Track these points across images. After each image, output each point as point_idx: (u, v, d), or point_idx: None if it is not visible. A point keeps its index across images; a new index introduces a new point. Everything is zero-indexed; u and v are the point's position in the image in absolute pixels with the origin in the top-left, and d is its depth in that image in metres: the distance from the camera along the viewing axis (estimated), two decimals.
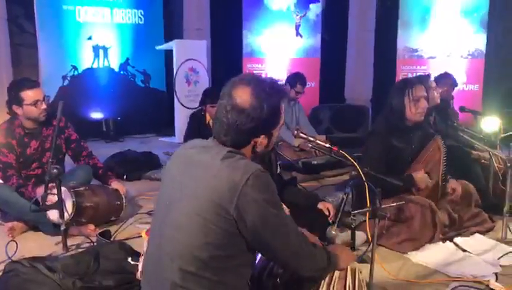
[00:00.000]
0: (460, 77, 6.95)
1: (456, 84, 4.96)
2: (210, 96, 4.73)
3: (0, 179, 3.37)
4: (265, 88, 1.64)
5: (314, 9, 8.05)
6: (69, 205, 3.17)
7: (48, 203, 3.10)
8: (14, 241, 2.99)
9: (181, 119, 6.65)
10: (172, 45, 7.05)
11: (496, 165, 3.78)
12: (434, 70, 7.20)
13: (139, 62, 7.92)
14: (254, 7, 7.85)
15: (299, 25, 8.02)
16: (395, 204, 2.89)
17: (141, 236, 2.65)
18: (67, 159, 3.73)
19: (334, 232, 2.03)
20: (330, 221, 2.87)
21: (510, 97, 6.76)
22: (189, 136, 4.66)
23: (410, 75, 7.28)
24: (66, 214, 3.07)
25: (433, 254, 2.95)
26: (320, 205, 3.02)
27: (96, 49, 7.45)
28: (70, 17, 7.14)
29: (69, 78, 7.24)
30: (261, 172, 1.57)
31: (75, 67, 7.27)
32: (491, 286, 2.57)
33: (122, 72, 7.79)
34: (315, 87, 8.05)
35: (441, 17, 7.51)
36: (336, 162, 4.78)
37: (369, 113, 7.02)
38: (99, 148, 5.72)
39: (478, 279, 2.66)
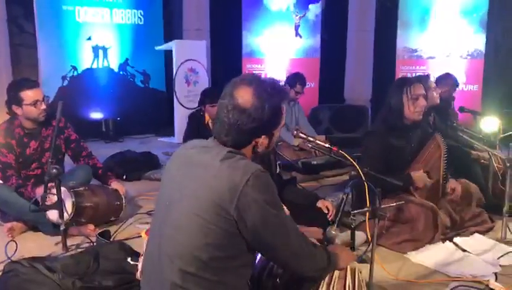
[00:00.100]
0: (460, 77, 6.93)
1: (457, 85, 4.96)
2: (209, 96, 4.73)
3: (0, 179, 3.36)
4: (267, 88, 1.65)
5: (314, 9, 8.05)
6: (68, 205, 3.17)
7: (48, 203, 3.10)
8: (13, 241, 2.99)
9: (180, 119, 6.65)
10: (172, 45, 7.04)
11: (495, 165, 3.78)
12: (433, 70, 7.21)
13: (139, 62, 7.92)
14: (254, 7, 7.85)
15: (299, 26, 8.02)
16: (394, 204, 2.89)
17: (141, 236, 2.65)
18: (67, 159, 3.72)
19: (333, 232, 2.02)
20: (329, 219, 2.87)
21: (509, 97, 6.76)
22: (188, 136, 4.66)
23: (409, 76, 7.27)
24: (65, 214, 3.07)
25: (432, 254, 2.95)
26: (319, 204, 3.02)
27: (95, 49, 7.44)
28: (69, 18, 7.14)
29: (68, 79, 7.23)
30: (261, 172, 1.57)
31: (74, 68, 7.27)
32: (491, 286, 2.57)
33: (121, 73, 7.79)
34: (314, 87, 8.05)
35: (440, 18, 7.51)
36: (335, 162, 4.79)
37: (368, 113, 7.02)
38: (98, 148, 5.72)
39: (478, 279, 2.66)
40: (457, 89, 4.96)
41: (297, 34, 8.04)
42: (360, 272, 1.92)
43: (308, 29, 8.06)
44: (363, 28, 8.01)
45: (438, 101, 4.19)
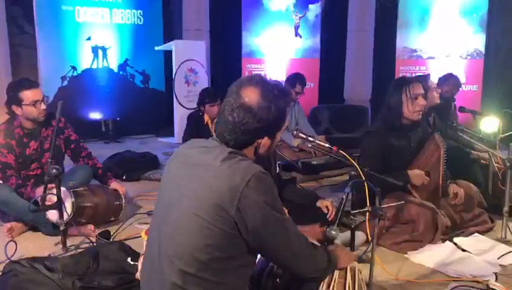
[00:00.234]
0: (460, 78, 6.95)
1: (460, 85, 4.97)
2: (209, 96, 4.73)
3: (0, 179, 3.36)
4: (274, 90, 1.66)
5: (314, 9, 8.06)
6: (68, 205, 3.17)
7: (47, 203, 3.10)
8: (13, 241, 2.99)
9: (180, 119, 6.64)
10: (172, 45, 7.04)
11: (495, 165, 3.78)
12: (433, 70, 7.23)
13: (138, 62, 7.92)
14: (253, 8, 7.85)
15: (299, 26, 8.03)
16: (395, 204, 2.89)
17: (140, 236, 2.65)
18: (67, 159, 3.72)
19: (333, 233, 2.02)
20: (329, 219, 2.87)
21: (509, 97, 6.76)
22: (188, 137, 4.67)
23: (409, 76, 7.28)
24: (65, 214, 3.07)
25: (432, 254, 2.95)
26: (318, 203, 3.02)
27: (95, 49, 7.44)
28: (69, 18, 7.13)
29: (68, 79, 7.23)
30: (262, 174, 1.56)
31: (74, 68, 7.26)
32: (491, 286, 2.57)
33: (121, 73, 7.78)
34: (314, 87, 8.05)
35: (440, 18, 7.52)
36: (335, 163, 4.78)
37: (368, 113, 7.01)
38: (98, 148, 5.72)
39: (478, 279, 2.66)
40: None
41: (297, 34, 8.04)
42: (360, 272, 1.92)
43: (307, 29, 8.07)
44: (362, 28, 8.02)
45: (438, 101, 4.19)
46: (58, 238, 3.09)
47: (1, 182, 3.35)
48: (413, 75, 7.29)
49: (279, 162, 3.24)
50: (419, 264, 2.88)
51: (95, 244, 3.11)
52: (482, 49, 7.42)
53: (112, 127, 7.42)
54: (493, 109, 5.59)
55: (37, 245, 3.16)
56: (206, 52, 7.52)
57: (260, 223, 1.54)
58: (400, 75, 7.66)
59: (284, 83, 5.43)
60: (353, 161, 2.45)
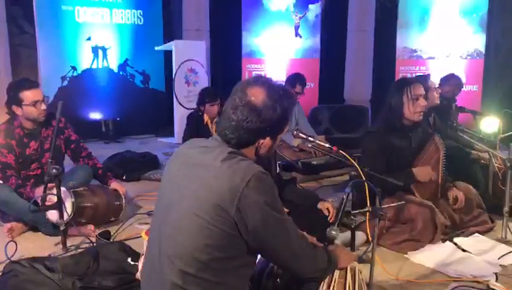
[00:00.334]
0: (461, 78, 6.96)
1: (461, 86, 4.97)
2: (209, 95, 4.74)
3: (0, 180, 3.36)
4: (279, 91, 1.67)
5: (314, 9, 8.06)
6: (68, 206, 3.16)
7: (47, 203, 3.10)
8: (13, 241, 2.99)
9: (180, 120, 6.64)
10: (172, 45, 7.04)
11: (495, 165, 3.78)
12: (433, 70, 7.23)
13: (139, 63, 7.91)
14: (253, 8, 7.85)
15: (299, 26, 8.02)
16: (395, 204, 2.89)
17: (141, 237, 2.65)
18: (67, 159, 3.72)
19: (334, 233, 2.02)
20: (330, 221, 2.87)
21: (509, 97, 6.76)
22: (187, 137, 4.67)
23: (409, 76, 7.28)
24: (65, 215, 3.07)
25: (433, 254, 2.95)
26: (319, 205, 3.02)
27: (95, 49, 7.44)
28: (69, 18, 7.13)
29: (68, 79, 7.23)
30: (262, 174, 1.57)
31: (74, 68, 7.26)
32: (491, 286, 2.57)
33: (121, 73, 7.78)
34: (314, 87, 8.05)
35: (440, 18, 7.52)
36: (335, 163, 4.78)
37: (368, 113, 7.01)
38: (98, 148, 5.72)
39: (478, 279, 2.66)
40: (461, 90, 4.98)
41: (297, 34, 8.04)
42: (361, 272, 1.92)
43: (308, 29, 8.07)
44: (362, 28, 8.02)
45: (438, 101, 4.19)
46: (58, 239, 3.09)
47: (1, 182, 3.35)
48: (413, 75, 7.29)
49: (279, 162, 3.23)
50: (420, 265, 2.88)
51: (95, 244, 3.11)
52: (482, 49, 7.42)
53: (112, 127, 7.42)
54: (493, 109, 5.59)
55: (37, 245, 3.16)
56: (206, 52, 7.52)
57: (260, 224, 1.54)
58: (400, 75, 7.66)
59: (284, 83, 5.43)
60: (353, 161, 2.45)
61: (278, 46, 7.97)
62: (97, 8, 7.37)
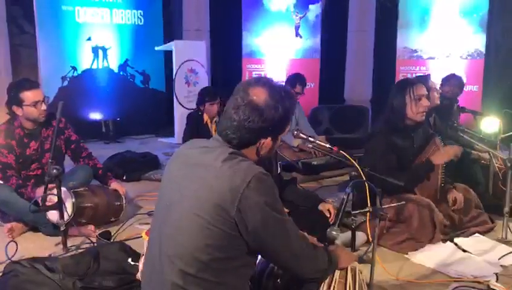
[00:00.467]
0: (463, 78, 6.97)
1: (462, 86, 4.97)
2: (209, 94, 4.74)
3: (0, 180, 3.36)
4: (281, 92, 1.68)
5: (314, 10, 8.05)
6: (68, 206, 3.16)
7: (48, 203, 3.10)
8: (13, 241, 2.98)
9: (180, 120, 6.64)
10: (172, 45, 7.04)
11: (496, 165, 3.78)
12: (433, 71, 7.22)
13: (139, 63, 7.92)
14: (253, 8, 7.84)
15: (299, 26, 8.02)
16: (395, 204, 2.89)
17: (141, 237, 2.65)
18: (67, 160, 3.72)
19: (334, 233, 2.02)
20: (331, 222, 2.87)
21: (510, 97, 6.76)
22: (188, 137, 4.67)
23: (409, 76, 7.28)
24: (65, 215, 3.07)
25: (433, 254, 2.95)
26: (320, 207, 3.02)
27: (95, 49, 7.44)
28: (69, 18, 7.13)
29: (68, 79, 7.23)
30: (263, 175, 1.57)
31: (74, 68, 7.26)
32: (492, 287, 2.57)
33: (121, 73, 7.78)
34: (314, 87, 8.05)
35: (440, 18, 7.52)
36: (335, 163, 4.78)
37: (368, 113, 7.01)
38: (98, 149, 5.71)
39: (478, 279, 2.66)
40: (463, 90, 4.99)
41: (297, 34, 8.04)
42: (361, 273, 1.92)
43: (308, 29, 8.06)
44: (363, 29, 8.02)
45: (438, 101, 4.19)
46: (59, 239, 3.09)
47: (1, 182, 3.35)
48: (414, 75, 7.28)
49: (280, 162, 3.23)
50: (420, 265, 2.88)
51: (95, 244, 3.11)
52: (483, 49, 7.42)
53: (112, 128, 7.42)
54: (493, 109, 5.59)
55: (38, 245, 3.16)
56: (207, 53, 7.52)
57: (260, 224, 1.54)
58: (400, 75, 7.66)
59: (284, 84, 5.44)
60: (354, 161, 2.45)
61: (278, 46, 7.96)
62: (97, 8, 7.37)
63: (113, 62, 7.65)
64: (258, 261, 1.79)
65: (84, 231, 3.31)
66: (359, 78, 8.08)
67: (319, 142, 2.70)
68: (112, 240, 3.21)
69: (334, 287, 1.79)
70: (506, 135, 3.84)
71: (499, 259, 2.91)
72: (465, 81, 7.21)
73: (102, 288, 2.40)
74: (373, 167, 2.87)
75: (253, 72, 7.90)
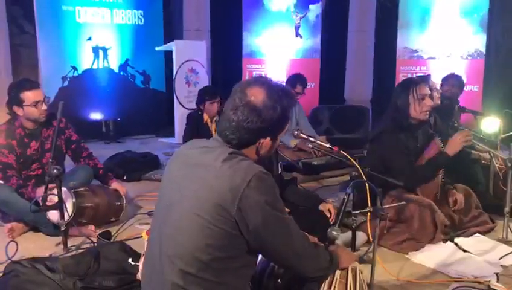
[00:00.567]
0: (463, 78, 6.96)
1: (462, 85, 4.97)
2: (208, 93, 4.74)
3: (0, 180, 3.36)
4: (279, 91, 1.68)
5: (314, 10, 8.05)
6: (69, 206, 3.16)
7: (48, 203, 3.10)
8: (14, 242, 2.99)
9: (181, 120, 6.64)
10: (172, 45, 7.04)
11: (496, 165, 3.78)
12: (434, 71, 7.22)
13: (139, 63, 7.91)
14: (254, 8, 7.84)
15: (299, 26, 8.02)
16: (395, 204, 2.89)
17: (141, 237, 2.65)
18: (68, 160, 3.72)
19: (335, 233, 2.02)
20: (331, 222, 2.87)
21: (510, 98, 6.76)
22: (188, 136, 4.67)
23: (410, 76, 7.27)
24: (66, 215, 3.07)
25: (433, 254, 2.95)
26: (321, 207, 3.02)
27: (96, 49, 7.44)
28: (70, 18, 7.13)
29: (68, 79, 7.22)
30: (263, 174, 1.57)
31: (74, 68, 7.26)
32: (492, 287, 2.57)
33: (122, 73, 7.78)
34: (315, 88, 8.04)
35: (440, 18, 7.51)
36: (336, 163, 4.78)
37: (369, 114, 7.01)
38: (98, 149, 5.71)
39: (479, 279, 2.66)
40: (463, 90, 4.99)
41: (297, 34, 8.03)
42: (361, 273, 1.92)
43: (308, 29, 8.06)
44: (363, 29, 8.02)
45: (439, 101, 4.19)
46: (59, 239, 3.09)
47: (2, 182, 3.35)
48: (414, 75, 7.28)
49: (280, 162, 3.24)
50: (421, 265, 2.88)
51: (95, 244, 3.11)
52: (483, 49, 7.41)
53: (113, 128, 7.42)
54: (494, 109, 5.59)
55: (38, 245, 3.16)
56: (207, 53, 7.52)
57: (261, 224, 1.54)
58: (401, 75, 7.66)
59: (285, 84, 5.43)
60: (354, 161, 2.45)
61: (278, 47, 7.96)
62: (97, 8, 7.37)
63: (114, 62, 7.65)
64: (258, 261, 1.79)
65: (84, 231, 3.31)
66: (359, 78, 8.08)
67: (320, 143, 2.70)
68: (112, 240, 3.21)
69: (334, 287, 1.80)
70: (507, 135, 3.84)
71: (500, 259, 2.91)
72: (465, 81, 7.23)
73: (102, 288, 2.40)
74: (387, 163, 2.95)
75: (254, 72, 7.90)
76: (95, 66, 7.47)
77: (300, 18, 8.00)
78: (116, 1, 7.55)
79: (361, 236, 3.04)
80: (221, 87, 6.66)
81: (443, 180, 3.28)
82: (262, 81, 1.69)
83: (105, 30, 7.47)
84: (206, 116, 4.82)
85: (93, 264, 2.52)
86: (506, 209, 3.19)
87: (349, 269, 1.85)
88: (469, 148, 4.23)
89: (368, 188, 2.28)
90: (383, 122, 3.35)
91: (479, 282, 2.64)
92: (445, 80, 4.92)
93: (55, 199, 3.05)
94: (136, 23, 7.79)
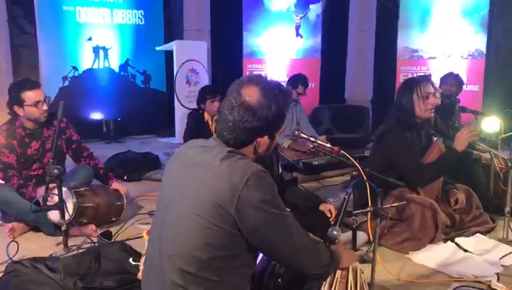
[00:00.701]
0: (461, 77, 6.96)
1: (460, 84, 4.97)
2: (209, 92, 4.73)
3: (1, 180, 3.36)
4: (274, 89, 1.66)
5: (314, 9, 8.05)
6: (69, 206, 3.17)
7: (49, 203, 3.11)
8: (15, 241, 2.99)
9: (181, 120, 6.65)
10: (173, 45, 7.04)
11: (497, 165, 3.77)
12: (434, 70, 7.22)
13: (139, 63, 7.92)
14: (254, 8, 7.85)
15: (299, 26, 8.02)
16: (396, 204, 2.89)
17: (142, 237, 2.65)
18: (68, 160, 3.72)
19: (335, 233, 2.02)
20: (332, 222, 2.86)
21: (510, 97, 6.76)
22: (188, 136, 4.67)
23: (410, 76, 7.27)
24: (66, 215, 3.07)
25: (434, 254, 2.95)
26: (321, 207, 3.01)
27: (96, 49, 7.44)
28: (70, 18, 7.14)
29: (69, 79, 7.23)
30: (261, 172, 1.57)
31: (75, 68, 7.27)
32: (493, 286, 2.57)
33: (122, 73, 7.79)
34: (315, 87, 8.05)
35: (441, 18, 7.52)
36: (336, 163, 4.78)
37: (369, 113, 7.01)
38: (99, 149, 5.72)
39: (479, 279, 2.66)
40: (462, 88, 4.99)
41: (298, 34, 8.04)
42: (362, 272, 1.92)
43: (308, 29, 8.06)
44: (363, 29, 8.02)
45: (439, 101, 4.19)
46: (60, 239, 3.09)
47: (2, 182, 3.35)
48: (414, 75, 7.29)
49: (281, 162, 3.23)
50: (421, 265, 2.87)
51: (96, 244, 3.11)
52: (483, 49, 7.42)
53: (113, 127, 7.42)
54: (494, 109, 5.59)
55: (39, 245, 3.17)
56: (207, 53, 7.52)
57: (260, 222, 1.54)
58: (401, 75, 7.67)
59: (285, 84, 5.43)
60: (354, 161, 2.45)
61: (278, 46, 7.97)
62: (98, 8, 7.38)
63: (114, 62, 7.66)
64: (259, 260, 1.79)
65: (85, 231, 3.31)
66: (360, 78, 8.08)
67: (320, 142, 2.70)
68: (112, 240, 3.21)
69: (335, 286, 1.80)
70: (507, 134, 3.85)
71: (500, 259, 2.91)
72: (465, 81, 7.24)
73: (103, 288, 2.39)
74: (394, 162, 2.96)
75: (254, 72, 7.89)
76: (95, 66, 7.48)
77: (301, 18, 8.00)
78: (117, 1, 7.55)
79: (361, 236, 3.04)
80: (221, 87, 6.64)
81: (444, 180, 3.27)
82: (257, 80, 1.68)
83: (105, 30, 7.47)
84: (206, 116, 4.81)
85: (93, 264, 2.52)
86: (507, 209, 3.19)
87: (350, 268, 1.85)
88: (470, 148, 4.23)
89: (368, 187, 2.28)
90: (387, 122, 3.35)
91: (479, 282, 2.63)
92: (444, 79, 4.92)
93: (56, 198, 3.05)
94: (137, 23, 7.80)
